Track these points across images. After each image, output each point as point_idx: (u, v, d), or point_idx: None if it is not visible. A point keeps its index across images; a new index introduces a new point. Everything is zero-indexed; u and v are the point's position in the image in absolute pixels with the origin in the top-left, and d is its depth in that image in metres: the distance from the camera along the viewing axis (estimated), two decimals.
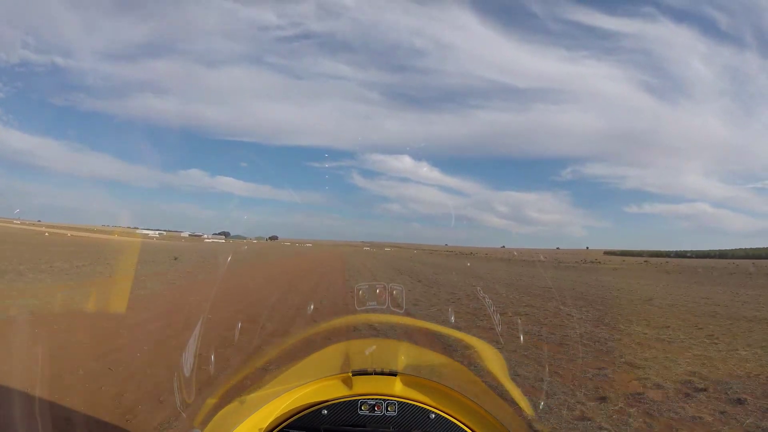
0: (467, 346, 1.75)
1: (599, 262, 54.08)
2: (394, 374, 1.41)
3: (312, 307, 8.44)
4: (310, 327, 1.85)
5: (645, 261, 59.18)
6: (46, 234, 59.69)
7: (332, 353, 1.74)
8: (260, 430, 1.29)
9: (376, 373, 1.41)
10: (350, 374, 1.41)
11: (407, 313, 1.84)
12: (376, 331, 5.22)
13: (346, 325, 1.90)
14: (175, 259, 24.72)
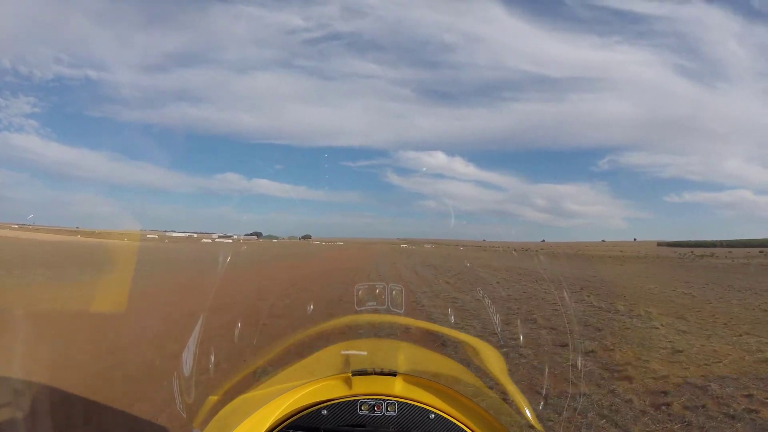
0: (467, 346, 1.74)
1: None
2: (393, 374, 1.41)
3: (311, 307, 8.41)
4: (310, 327, 1.85)
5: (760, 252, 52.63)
6: None
7: (332, 353, 1.74)
8: (260, 430, 1.29)
9: (376, 373, 1.41)
10: (350, 374, 1.40)
11: (407, 313, 1.84)
12: (376, 331, 5.20)
13: (346, 325, 1.90)
14: None
